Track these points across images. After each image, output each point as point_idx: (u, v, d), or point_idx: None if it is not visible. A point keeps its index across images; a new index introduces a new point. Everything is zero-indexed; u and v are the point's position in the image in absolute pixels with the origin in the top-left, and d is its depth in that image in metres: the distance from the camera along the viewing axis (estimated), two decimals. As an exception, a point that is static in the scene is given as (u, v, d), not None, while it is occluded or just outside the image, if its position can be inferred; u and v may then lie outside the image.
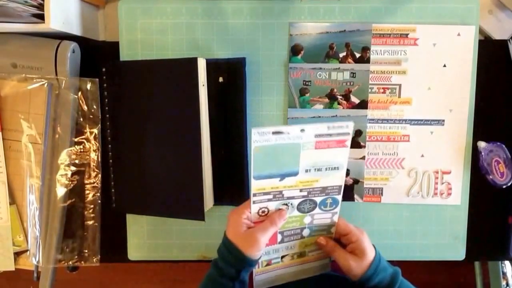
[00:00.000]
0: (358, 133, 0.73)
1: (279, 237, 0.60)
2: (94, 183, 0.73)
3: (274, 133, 0.50)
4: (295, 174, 0.54)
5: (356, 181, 0.73)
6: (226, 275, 0.56)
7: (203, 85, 0.68)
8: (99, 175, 0.73)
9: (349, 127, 0.52)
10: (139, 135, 0.70)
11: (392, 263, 0.60)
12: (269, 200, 0.56)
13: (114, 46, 0.72)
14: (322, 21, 0.71)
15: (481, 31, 0.72)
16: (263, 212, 0.57)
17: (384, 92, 0.72)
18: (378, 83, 0.72)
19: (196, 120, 0.66)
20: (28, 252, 0.72)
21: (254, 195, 0.55)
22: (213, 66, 0.69)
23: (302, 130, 0.51)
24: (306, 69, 0.71)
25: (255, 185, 0.54)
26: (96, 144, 0.72)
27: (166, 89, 0.68)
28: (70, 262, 0.73)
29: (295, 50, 0.71)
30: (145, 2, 0.71)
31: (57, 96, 0.70)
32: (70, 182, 0.72)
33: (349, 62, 0.71)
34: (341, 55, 0.71)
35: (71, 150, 0.71)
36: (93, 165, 0.73)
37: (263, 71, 0.72)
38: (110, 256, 0.76)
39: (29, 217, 0.70)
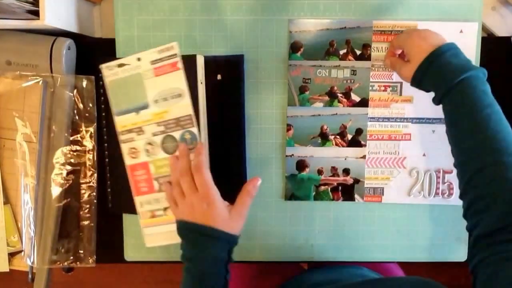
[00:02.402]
0: (358, 132, 0.71)
1: (156, 185, 0.63)
2: (90, 182, 0.72)
3: (119, 65, 0.61)
4: (147, 106, 0.62)
5: (356, 181, 0.72)
6: (220, 260, 0.56)
7: (201, 82, 0.67)
8: (95, 175, 0.72)
9: (175, 48, 0.60)
10: (135, 133, 0.69)
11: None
12: (134, 138, 0.63)
13: (110, 43, 0.71)
14: (322, 18, 0.70)
15: (484, 28, 0.71)
16: (133, 151, 0.63)
17: (385, 90, 0.71)
18: (379, 81, 0.71)
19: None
20: (23, 252, 0.70)
21: (121, 133, 0.63)
22: (211, 63, 0.68)
23: (139, 59, 0.61)
24: (306, 66, 0.70)
25: (118, 122, 0.63)
26: (92, 143, 0.71)
27: (163, 87, 0.67)
28: (66, 263, 0.72)
29: (294, 47, 0.70)
30: (142, -2, 0.70)
31: (52, 94, 0.68)
32: (66, 182, 0.71)
33: (349, 60, 0.70)
34: (341, 52, 0.70)
35: (66, 149, 0.70)
36: (89, 164, 0.72)
37: (262, 69, 0.71)
38: (106, 257, 0.75)
39: (23, 217, 0.69)
